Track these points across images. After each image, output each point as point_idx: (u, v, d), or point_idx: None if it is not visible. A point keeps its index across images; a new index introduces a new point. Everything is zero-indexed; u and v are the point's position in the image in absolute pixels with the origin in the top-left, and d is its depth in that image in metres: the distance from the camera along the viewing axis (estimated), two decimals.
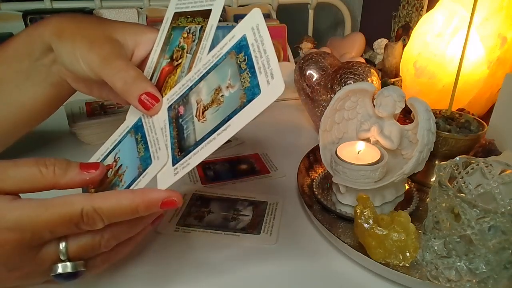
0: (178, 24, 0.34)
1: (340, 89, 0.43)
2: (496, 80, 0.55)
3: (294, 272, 0.35)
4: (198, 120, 0.27)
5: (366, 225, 0.34)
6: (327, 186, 0.46)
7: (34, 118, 0.42)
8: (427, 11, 0.73)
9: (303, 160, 0.50)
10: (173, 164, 0.28)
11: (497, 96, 0.49)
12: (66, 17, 0.38)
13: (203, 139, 0.26)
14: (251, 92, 0.24)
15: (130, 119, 0.34)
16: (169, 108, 0.30)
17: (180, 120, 0.29)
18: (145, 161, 0.30)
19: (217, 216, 0.42)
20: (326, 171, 0.48)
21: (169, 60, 0.34)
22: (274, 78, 0.23)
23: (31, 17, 0.82)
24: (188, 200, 0.44)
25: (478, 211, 0.28)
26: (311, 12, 1.06)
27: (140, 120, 0.33)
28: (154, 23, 0.90)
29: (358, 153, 0.41)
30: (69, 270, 0.26)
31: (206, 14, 0.32)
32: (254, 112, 0.24)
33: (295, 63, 0.69)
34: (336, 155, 0.40)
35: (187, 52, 0.32)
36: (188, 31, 0.33)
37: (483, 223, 0.28)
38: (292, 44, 0.97)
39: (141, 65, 0.37)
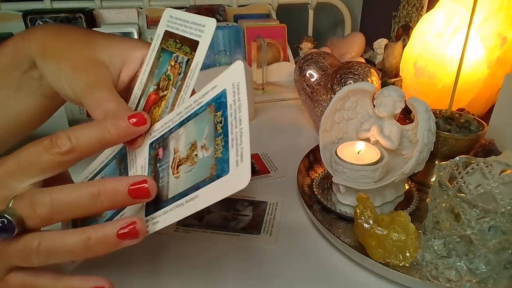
0: (168, 47, 0.33)
1: (340, 89, 0.43)
2: (496, 80, 0.55)
3: (294, 272, 0.35)
4: (173, 174, 0.27)
5: (366, 225, 0.34)
6: (327, 186, 0.46)
7: (27, 126, 0.41)
8: (427, 11, 0.73)
9: (303, 160, 0.50)
10: (146, 215, 0.27)
11: (497, 96, 0.49)
12: (52, 32, 0.36)
13: (173, 199, 0.26)
14: (221, 166, 0.23)
15: (115, 146, 0.33)
16: (151, 145, 0.30)
17: (158, 164, 0.28)
18: None
19: (217, 216, 0.42)
20: (326, 171, 0.48)
21: (156, 87, 0.33)
22: (243, 161, 0.22)
23: (31, 17, 0.82)
24: None
25: (478, 211, 0.28)
26: (311, 12, 1.06)
27: (125, 148, 0.32)
28: (154, 23, 0.90)
29: (358, 153, 0.41)
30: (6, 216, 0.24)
31: (194, 45, 0.30)
32: (220, 194, 0.23)
33: (295, 63, 0.69)
34: (336, 155, 0.40)
35: (172, 85, 0.31)
36: (175, 59, 0.32)
37: (483, 223, 0.28)
38: (292, 44, 0.97)
39: (131, 82, 0.36)
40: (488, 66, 0.54)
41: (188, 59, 0.31)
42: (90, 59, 0.34)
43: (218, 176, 0.23)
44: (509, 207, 0.33)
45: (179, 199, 0.25)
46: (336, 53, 0.90)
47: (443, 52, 0.57)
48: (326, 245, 0.38)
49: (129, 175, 0.30)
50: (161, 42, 0.34)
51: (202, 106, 0.27)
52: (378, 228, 0.33)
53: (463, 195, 0.34)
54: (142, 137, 0.30)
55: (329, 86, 0.56)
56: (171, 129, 0.28)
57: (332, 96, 0.44)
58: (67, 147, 0.25)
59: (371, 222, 0.34)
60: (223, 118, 0.24)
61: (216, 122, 0.25)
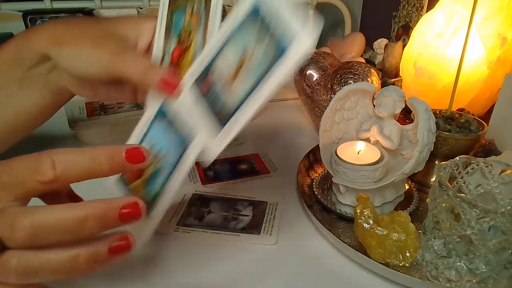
0: (177, 7, 0.33)
1: (340, 89, 0.43)
2: (496, 80, 0.55)
3: (294, 272, 0.35)
4: (230, 86, 0.27)
5: (366, 225, 0.34)
6: (327, 186, 0.46)
7: (27, 126, 0.41)
8: (427, 11, 0.73)
9: (303, 160, 0.50)
10: (216, 134, 0.28)
11: (497, 96, 0.49)
12: (61, 23, 0.37)
13: (243, 100, 0.27)
14: (281, 46, 0.25)
15: (151, 110, 0.34)
16: (192, 87, 0.30)
17: (210, 92, 0.29)
18: (183, 141, 0.30)
19: (217, 216, 0.42)
20: (326, 171, 0.48)
21: (175, 44, 0.33)
22: (303, 23, 0.25)
23: (31, 17, 0.82)
24: (188, 200, 0.44)
25: (478, 211, 0.28)
26: (311, 12, 1.06)
27: (162, 107, 0.32)
28: None
29: (358, 153, 0.41)
30: None
31: None
32: (290, 62, 0.25)
33: None
34: (336, 155, 0.40)
35: (196, 30, 0.31)
36: (191, 10, 0.32)
37: (483, 223, 0.28)
38: None
39: (147, 52, 0.37)
40: (488, 66, 0.54)
41: (206, 2, 0.31)
42: (107, 33, 0.35)
43: (282, 50, 0.25)
44: (509, 207, 0.33)
45: (251, 93, 0.26)
46: (336, 53, 0.90)
47: (443, 52, 0.57)
48: (326, 245, 0.38)
49: (179, 122, 0.31)
50: (169, 8, 0.34)
51: (239, 24, 0.28)
52: (378, 228, 0.33)
53: (463, 195, 0.34)
54: (180, 86, 0.31)
55: (329, 86, 0.56)
56: (213, 57, 0.29)
57: (332, 96, 0.44)
58: (49, 177, 0.23)
59: (371, 222, 0.34)
60: (261, 17, 0.26)
61: (258, 26, 0.26)
